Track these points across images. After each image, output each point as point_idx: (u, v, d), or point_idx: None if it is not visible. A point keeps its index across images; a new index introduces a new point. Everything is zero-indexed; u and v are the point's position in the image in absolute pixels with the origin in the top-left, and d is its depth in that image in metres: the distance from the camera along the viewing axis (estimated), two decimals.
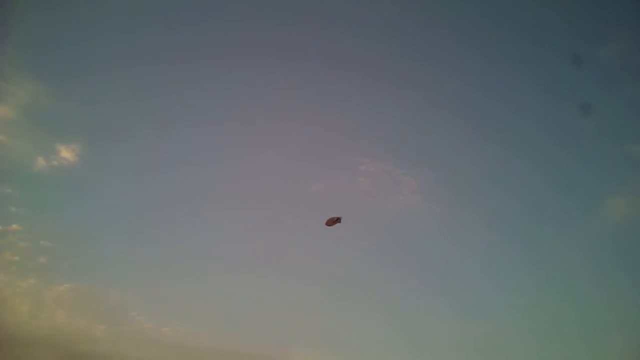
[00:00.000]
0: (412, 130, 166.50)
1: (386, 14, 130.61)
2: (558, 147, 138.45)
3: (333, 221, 43.33)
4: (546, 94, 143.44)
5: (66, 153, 74.03)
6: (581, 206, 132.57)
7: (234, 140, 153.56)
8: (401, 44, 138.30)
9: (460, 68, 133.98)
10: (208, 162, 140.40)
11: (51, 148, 74.44)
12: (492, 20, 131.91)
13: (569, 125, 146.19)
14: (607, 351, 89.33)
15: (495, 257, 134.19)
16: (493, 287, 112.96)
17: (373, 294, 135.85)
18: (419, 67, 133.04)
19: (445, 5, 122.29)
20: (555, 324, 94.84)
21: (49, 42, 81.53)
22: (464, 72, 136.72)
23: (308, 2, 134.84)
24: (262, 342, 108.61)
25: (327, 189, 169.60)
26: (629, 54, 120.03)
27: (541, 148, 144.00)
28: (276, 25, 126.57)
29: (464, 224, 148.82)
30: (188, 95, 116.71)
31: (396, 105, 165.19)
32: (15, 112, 71.20)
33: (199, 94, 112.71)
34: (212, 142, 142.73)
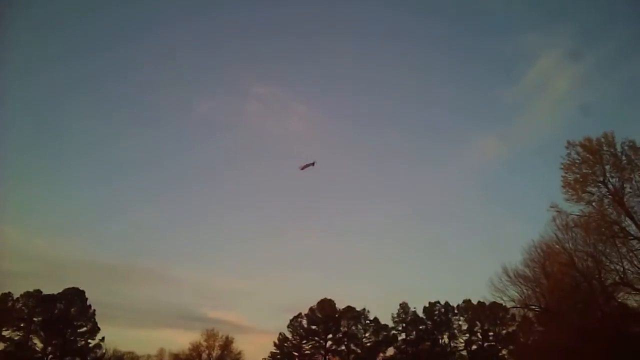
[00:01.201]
0: (304, 57, 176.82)
1: None
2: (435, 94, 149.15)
3: (307, 166, 44.96)
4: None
5: None
6: (453, 148, 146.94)
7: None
8: None
9: None
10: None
11: None
12: None
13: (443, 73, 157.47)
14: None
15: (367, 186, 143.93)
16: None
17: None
18: None
19: None
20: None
21: None
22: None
23: None
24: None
25: (213, 111, 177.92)
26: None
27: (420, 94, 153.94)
28: None
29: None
30: None
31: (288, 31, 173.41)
32: None
33: None
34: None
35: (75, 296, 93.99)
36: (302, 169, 45.59)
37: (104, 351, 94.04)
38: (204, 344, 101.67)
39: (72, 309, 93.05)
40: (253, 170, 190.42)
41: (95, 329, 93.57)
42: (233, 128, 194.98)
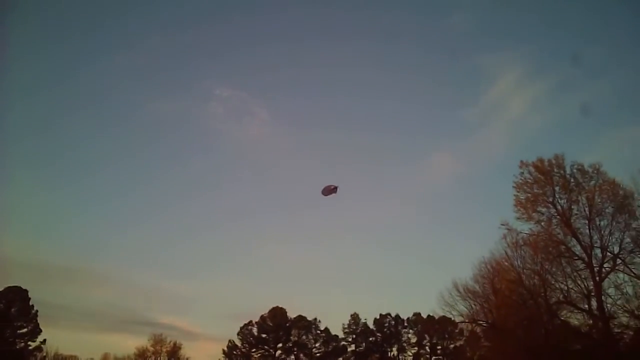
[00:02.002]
0: (268, 62, 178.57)
1: None
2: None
3: (330, 190, 42.54)
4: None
5: None
6: (412, 159, 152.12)
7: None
8: None
9: None
10: None
11: None
12: None
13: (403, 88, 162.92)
14: None
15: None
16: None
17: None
18: None
19: None
20: None
21: None
22: None
23: None
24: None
25: (171, 111, 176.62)
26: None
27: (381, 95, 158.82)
28: None
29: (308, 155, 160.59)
30: None
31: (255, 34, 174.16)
32: None
33: None
34: None
35: (16, 295, 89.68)
36: (326, 195, 43.92)
37: (44, 354, 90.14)
38: (151, 349, 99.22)
39: (12, 309, 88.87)
40: (210, 174, 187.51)
41: (36, 331, 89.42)
42: (194, 130, 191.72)
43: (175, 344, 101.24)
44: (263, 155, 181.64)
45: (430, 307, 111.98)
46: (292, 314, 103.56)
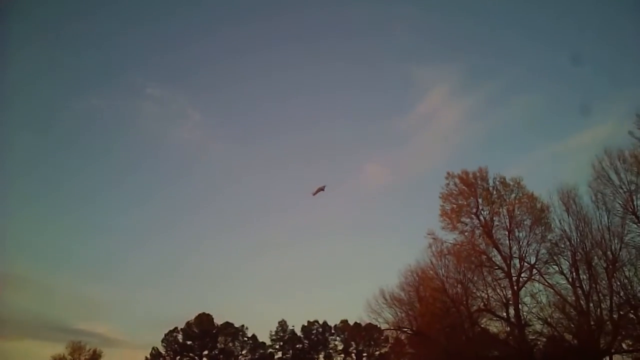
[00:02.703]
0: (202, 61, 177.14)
1: None
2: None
3: (319, 190, 45.96)
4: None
5: None
6: (344, 168, 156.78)
7: None
8: None
9: None
10: None
11: None
12: None
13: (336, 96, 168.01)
14: None
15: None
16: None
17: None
18: None
19: None
20: None
21: None
22: None
23: None
24: None
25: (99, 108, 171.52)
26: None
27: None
28: None
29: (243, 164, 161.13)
30: None
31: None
32: None
33: None
34: None
35: None
36: (315, 194, 46.15)
37: None
38: (68, 357, 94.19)
39: None
40: (139, 172, 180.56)
41: None
42: (124, 130, 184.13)
43: (95, 351, 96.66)
44: (193, 158, 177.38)
45: (357, 314, 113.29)
46: (219, 321, 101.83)
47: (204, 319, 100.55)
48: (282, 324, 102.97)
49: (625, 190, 39.05)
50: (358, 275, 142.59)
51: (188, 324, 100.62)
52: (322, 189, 45.47)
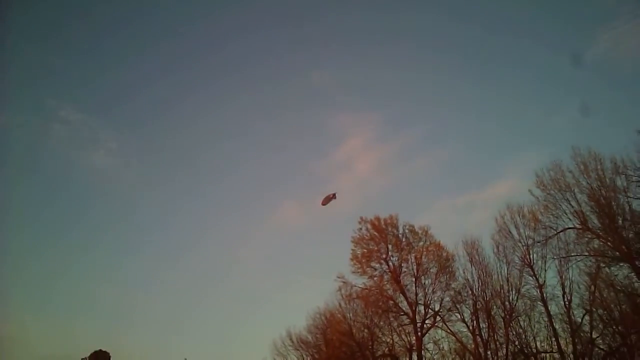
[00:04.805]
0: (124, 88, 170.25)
1: None
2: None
3: (329, 199, 44.02)
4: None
5: None
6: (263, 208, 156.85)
7: None
8: None
9: None
10: None
11: None
12: None
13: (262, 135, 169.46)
14: None
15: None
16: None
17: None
18: None
19: None
20: None
21: None
22: None
23: None
24: None
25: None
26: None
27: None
28: None
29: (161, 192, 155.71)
30: None
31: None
32: None
33: None
34: None
35: None
36: (324, 203, 43.53)
37: None
38: None
39: None
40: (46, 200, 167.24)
41: None
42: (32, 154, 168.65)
43: None
44: (104, 187, 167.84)
45: (262, 355, 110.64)
46: None
47: (100, 356, 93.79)
48: None
49: (523, 244, 41.71)
50: (269, 313, 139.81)
51: None
52: (333, 196, 44.02)
